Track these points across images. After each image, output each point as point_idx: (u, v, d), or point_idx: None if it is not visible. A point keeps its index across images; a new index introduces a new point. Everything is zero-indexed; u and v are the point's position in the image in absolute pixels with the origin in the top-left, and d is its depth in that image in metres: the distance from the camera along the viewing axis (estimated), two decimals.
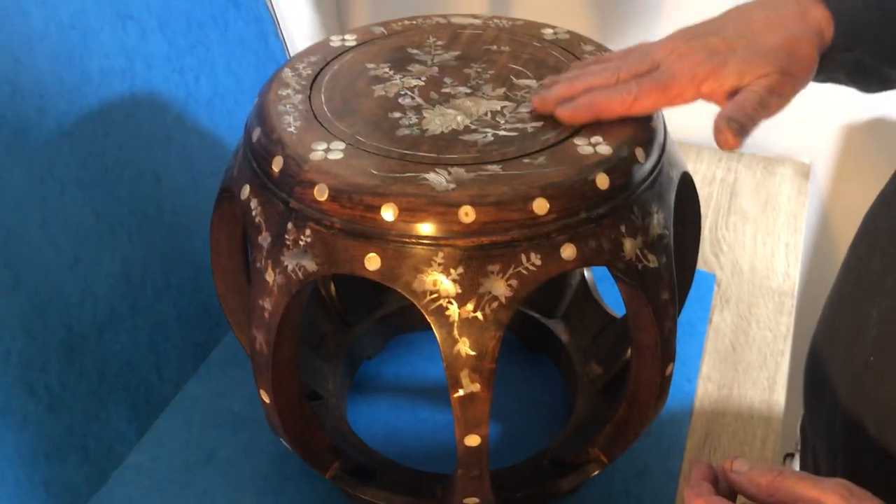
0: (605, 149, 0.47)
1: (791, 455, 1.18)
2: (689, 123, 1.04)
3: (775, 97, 0.48)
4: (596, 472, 0.58)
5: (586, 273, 0.74)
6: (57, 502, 0.61)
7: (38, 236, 0.60)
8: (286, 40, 0.88)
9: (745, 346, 0.77)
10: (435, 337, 0.45)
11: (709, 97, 0.49)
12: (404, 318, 0.76)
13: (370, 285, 0.74)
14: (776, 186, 0.98)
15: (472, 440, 0.47)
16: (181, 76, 0.73)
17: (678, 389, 0.72)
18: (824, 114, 0.99)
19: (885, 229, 0.54)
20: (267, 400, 0.52)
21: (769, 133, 1.03)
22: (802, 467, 0.71)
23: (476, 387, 0.46)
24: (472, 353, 0.45)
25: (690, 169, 0.99)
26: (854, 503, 0.39)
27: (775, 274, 0.85)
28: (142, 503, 0.63)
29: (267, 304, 0.48)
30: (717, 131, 0.46)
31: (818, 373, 0.60)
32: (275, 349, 0.49)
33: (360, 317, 0.74)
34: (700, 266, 0.86)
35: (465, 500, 0.52)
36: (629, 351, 0.64)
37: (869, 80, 0.53)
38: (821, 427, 0.62)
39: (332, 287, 0.72)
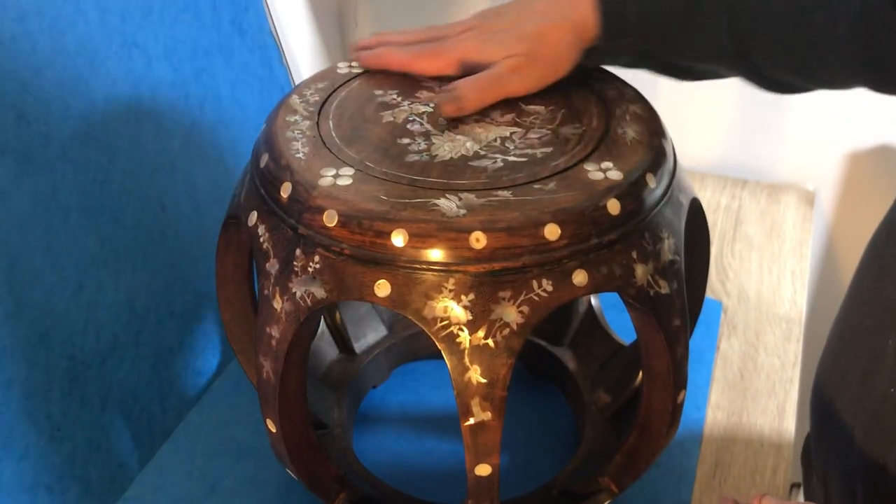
0: (615, 174, 0.47)
1: (798, 485, 1.17)
2: (693, 151, 1.05)
3: (515, 76, 0.54)
4: (607, 503, 0.57)
5: (593, 300, 0.73)
6: None
7: (41, 263, 0.59)
8: (291, 68, 0.88)
9: (754, 373, 0.76)
10: (440, 364, 0.44)
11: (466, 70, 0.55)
12: (410, 347, 0.75)
13: (375, 313, 0.74)
14: (781, 213, 0.98)
15: (483, 469, 0.47)
16: (186, 103, 0.73)
17: (687, 417, 0.71)
18: (828, 141, 0.99)
19: (892, 255, 0.54)
20: (273, 429, 0.51)
21: (774, 160, 1.03)
22: (808, 498, 0.70)
23: (487, 415, 0.45)
24: (484, 380, 0.44)
25: None
26: None
27: (782, 301, 0.84)
28: None
29: (275, 331, 0.48)
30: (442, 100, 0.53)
31: (828, 406, 0.60)
32: (282, 378, 0.49)
33: (365, 345, 0.73)
34: (706, 293, 0.85)
35: None
36: (638, 379, 0.64)
37: (662, 67, 0.57)
38: (833, 462, 0.60)
39: (338, 315, 0.72)
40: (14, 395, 0.57)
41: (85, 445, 0.62)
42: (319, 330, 0.72)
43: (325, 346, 0.72)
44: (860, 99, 0.95)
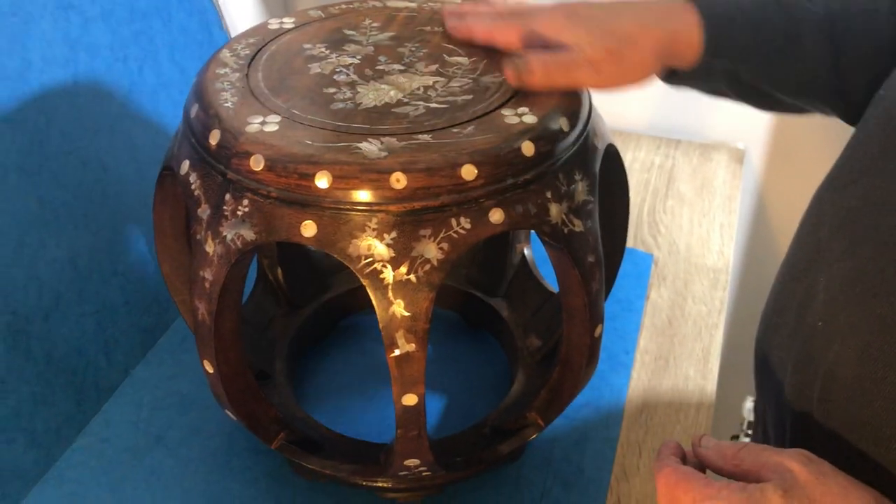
0: (530, 118, 0.49)
1: (736, 437, 1.22)
2: (629, 113, 1.08)
3: (590, 69, 0.52)
4: (534, 436, 0.60)
5: (526, 252, 0.76)
6: (4, 484, 0.61)
7: None
8: (230, 31, 0.89)
9: (681, 320, 0.80)
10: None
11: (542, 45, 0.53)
12: (350, 301, 0.77)
13: (316, 269, 0.76)
14: (712, 171, 1.02)
15: (410, 399, 0.49)
16: (125, 65, 0.74)
17: (616, 361, 0.74)
18: None
19: (829, 202, 0.55)
20: (210, 370, 0.54)
21: (706, 121, 1.07)
22: (754, 440, 0.73)
23: (411, 346, 0.47)
24: (407, 314, 0.47)
25: (630, 156, 1.03)
26: (813, 468, 0.41)
27: (710, 252, 0.88)
28: (91, 484, 0.64)
29: (208, 274, 0.50)
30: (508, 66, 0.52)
31: (767, 343, 0.62)
32: (216, 318, 0.51)
33: (307, 300, 0.75)
34: (638, 247, 0.89)
35: (406, 462, 0.54)
36: None
37: (753, 96, 0.57)
38: (770, 397, 0.63)
39: (280, 271, 0.74)
40: None
41: (30, 398, 0.64)
42: (262, 286, 0.74)
43: (267, 301, 0.74)
44: None
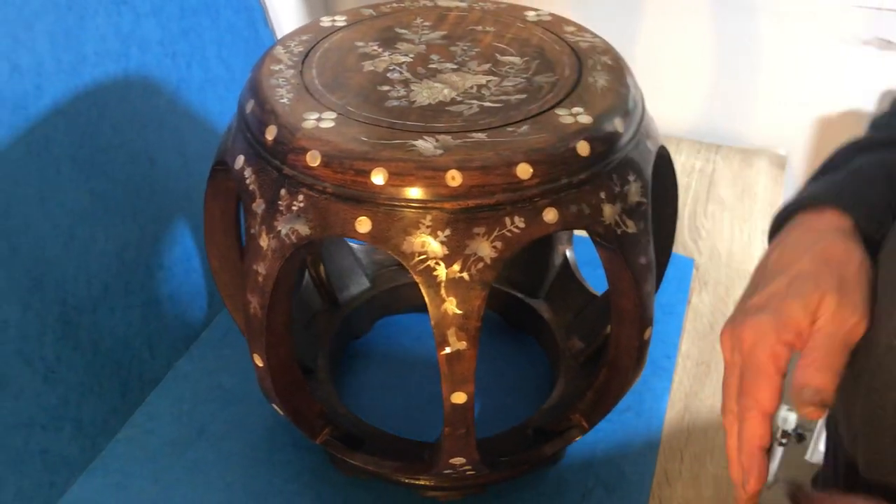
0: (585, 118, 0.49)
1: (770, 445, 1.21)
2: (669, 117, 1.07)
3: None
4: (578, 438, 0.60)
5: (568, 254, 0.76)
6: (52, 471, 0.62)
7: (35, 211, 0.61)
8: (275, 29, 0.89)
9: (722, 325, 0.79)
10: (421, 318, 0.47)
11: None
12: (391, 299, 0.77)
13: (359, 266, 0.76)
14: (753, 176, 1.01)
15: (459, 397, 0.49)
16: (174, 61, 0.75)
17: (658, 366, 0.74)
18: (799, 107, 1.02)
19: None
20: (260, 363, 0.54)
21: (747, 126, 1.06)
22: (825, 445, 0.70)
23: (462, 344, 0.48)
24: (459, 311, 0.47)
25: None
26: None
27: (752, 258, 0.87)
28: (135, 475, 0.64)
29: (261, 268, 0.50)
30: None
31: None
32: (268, 313, 0.51)
33: (349, 297, 0.76)
34: (679, 251, 0.88)
35: (452, 461, 0.54)
36: (609, 327, 0.66)
37: None
38: (840, 408, 0.61)
39: (322, 268, 0.74)
40: (10, 336, 0.59)
41: (77, 387, 0.64)
42: (305, 281, 0.74)
43: (310, 297, 0.74)
44: (829, 67, 0.98)
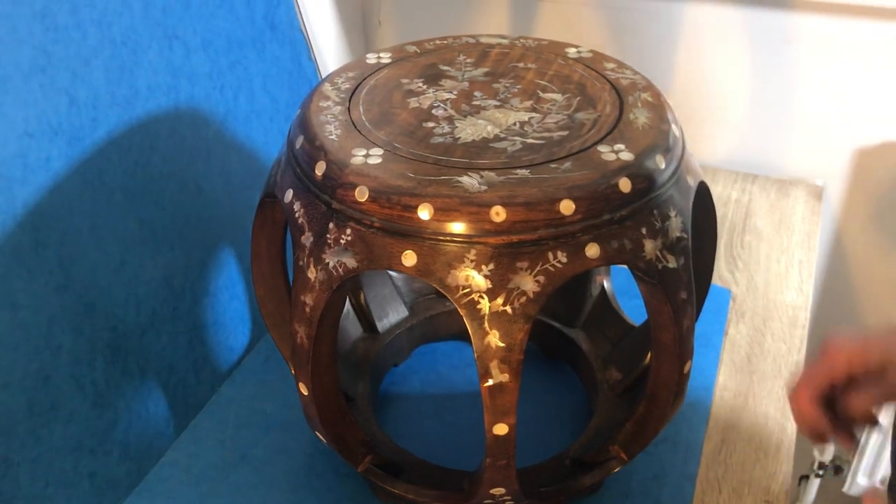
0: (627, 155, 0.50)
1: (806, 477, 1.20)
2: (705, 146, 1.08)
3: None
4: (616, 469, 0.60)
5: (606, 284, 0.76)
6: (99, 493, 0.63)
7: (87, 240, 0.63)
8: (318, 62, 0.92)
9: (760, 357, 0.79)
10: (459, 346, 0.48)
11: None
12: (430, 328, 0.78)
13: (398, 295, 0.78)
14: (790, 207, 1.01)
15: (501, 429, 0.50)
16: (221, 94, 0.77)
17: (695, 397, 0.74)
18: (836, 138, 1.02)
19: None
20: (305, 392, 0.55)
21: (783, 156, 1.06)
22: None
23: (505, 377, 0.48)
24: (502, 344, 0.48)
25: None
26: None
27: (789, 289, 0.87)
28: (179, 498, 0.66)
29: (308, 299, 0.52)
30: None
31: None
32: (315, 343, 0.53)
33: (388, 325, 0.77)
34: (716, 282, 0.88)
35: (492, 491, 0.55)
36: (647, 357, 0.67)
37: None
38: None
39: (363, 296, 0.75)
40: (62, 361, 0.61)
41: (126, 412, 0.66)
42: (345, 310, 0.76)
43: (350, 325, 0.76)
44: (867, 97, 0.98)
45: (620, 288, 0.78)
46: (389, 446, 0.65)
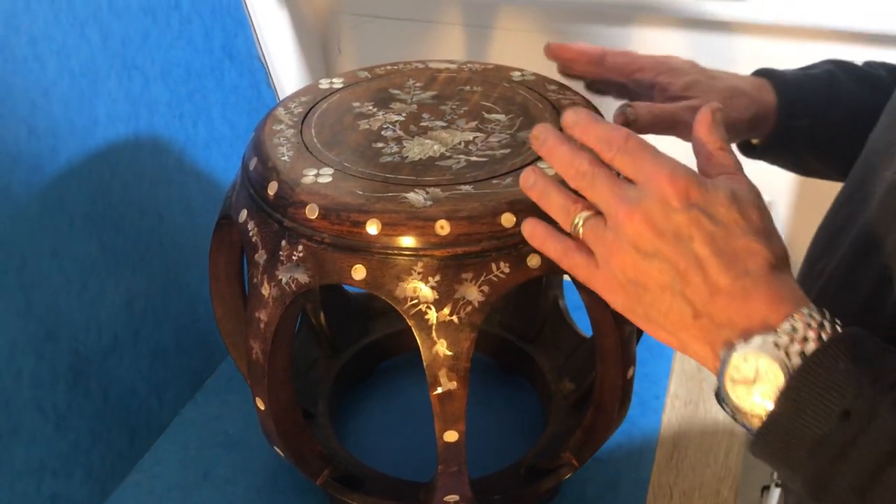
0: None
1: (766, 487, 1.22)
2: None
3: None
4: (568, 475, 0.62)
5: (559, 300, 0.79)
6: None
7: (49, 265, 0.65)
8: (278, 90, 0.94)
9: None
10: (419, 360, 0.50)
11: None
12: (390, 345, 0.80)
13: (357, 314, 0.79)
14: None
15: (451, 436, 0.52)
16: (181, 122, 0.79)
17: (648, 406, 0.76)
18: None
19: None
20: (262, 407, 0.57)
21: None
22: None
23: (453, 384, 0.50)
24: (450, 353, 0.50)
25: None
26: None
27: None
28: None
29: (263, 315, 0.53)
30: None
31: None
32: (270, 357, 0.54)
33: (348, 344, 0.78)
34: None
35: (446, 498, 0.56)
36: None
37: (832, 154, 0.65)
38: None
39: (322, 316, 0.77)
40: (24, 384, 0.62)
41: (88, 435, 0.67)
42: (306, 330, 0.77)
43: (310, 345, 0.77)
44: None
45: (575, 302, 0.80)
46: (349, 460, 0.66)
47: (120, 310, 0.71)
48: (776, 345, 0.38)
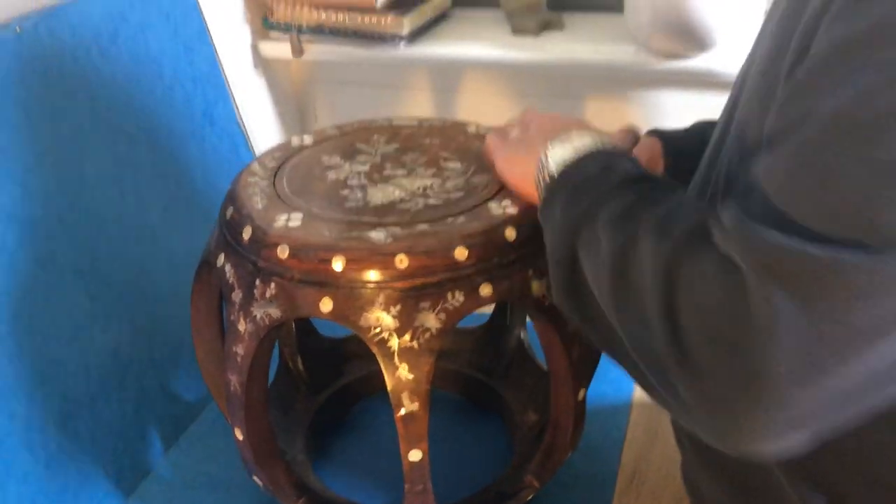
0: (512, 209, 0.58)
1: None
2: None
3: None
4: (530, 497, 0.66)
5: (522, 335, 0.84)
6: None
7: (41, 314, 0.69)
8: (255, 151, 1.00)
9: None
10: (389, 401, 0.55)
11: None
12: (363, 387, 0.85)
13: (333, 358, 0.84)
14: None
15: (415, 455, 0.56)
16: (164, 182, 0.85)
17: (608, 436, 0.80)
18: None
19: None
20: (240, 437, 0.61)
21: None
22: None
23: (415, 406, 0.55)
24: (411, 376, 0.55)
25: None
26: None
27: None
28: None
29: (239, 349, 0.58)
30: None
31: None
32: (246, 389, 0.59)
33: (324, 386, 0.83)
34: None
35: None
36: None
37: None
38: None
39: (300, 360, 0.82)
40: (17, 426, 0.66)
41: (76, 475, 0.71)
42: (284, 374, 0.82)
43: (289, 388, 0.82)
44: None
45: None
46: (324, 493, 0.70)
47: (107, 357, 0.75)
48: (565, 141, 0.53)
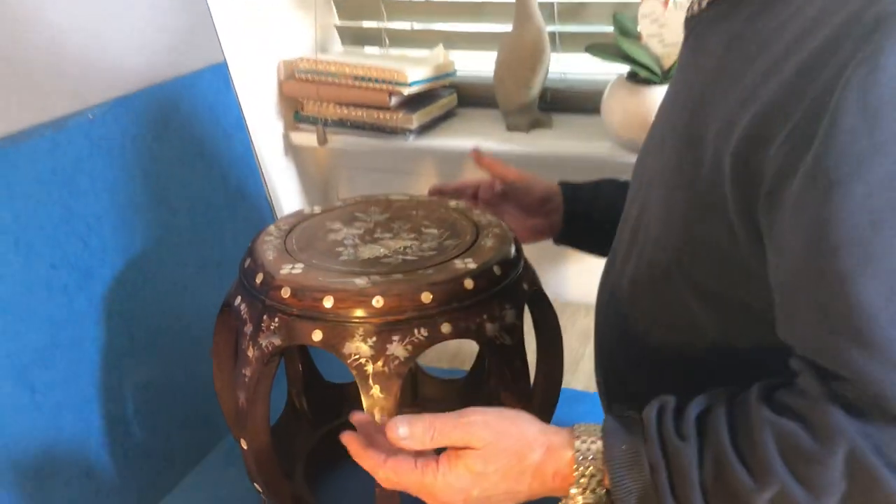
0: (473, 265, 0.72)
1: None
2: (571, 284, 1.29)
3: None
4: None
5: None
6: None
7: (89, 347, 0.84)
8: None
9: None
10: None
11: None
12: None
13: (333, 397, 0.97)
14: None
15: None
16: (200, 245, 1.00)
17: None
18: None
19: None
20: (245, 447, 0.74)
21: None
22: None
23: (385, 420, 0.68)
24: (382, 395, 0.67)
25: (584, 322, 1.23)
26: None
27: None
28: None
29: (247, 371, 0.72)
30: None
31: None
32: (251, 404, 0.72)
33: (325, 422, 0.95)
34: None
35: None
36: None
37: None
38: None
39: (304, 399, 0.95)
40: (64, 439, 0.80)
41: (110, 484, 0.84)
42: (290, 412, 0.94)
43: (293, 424, 0.94)
44: None
45: None
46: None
47: (142, 388, 0.90)
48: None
